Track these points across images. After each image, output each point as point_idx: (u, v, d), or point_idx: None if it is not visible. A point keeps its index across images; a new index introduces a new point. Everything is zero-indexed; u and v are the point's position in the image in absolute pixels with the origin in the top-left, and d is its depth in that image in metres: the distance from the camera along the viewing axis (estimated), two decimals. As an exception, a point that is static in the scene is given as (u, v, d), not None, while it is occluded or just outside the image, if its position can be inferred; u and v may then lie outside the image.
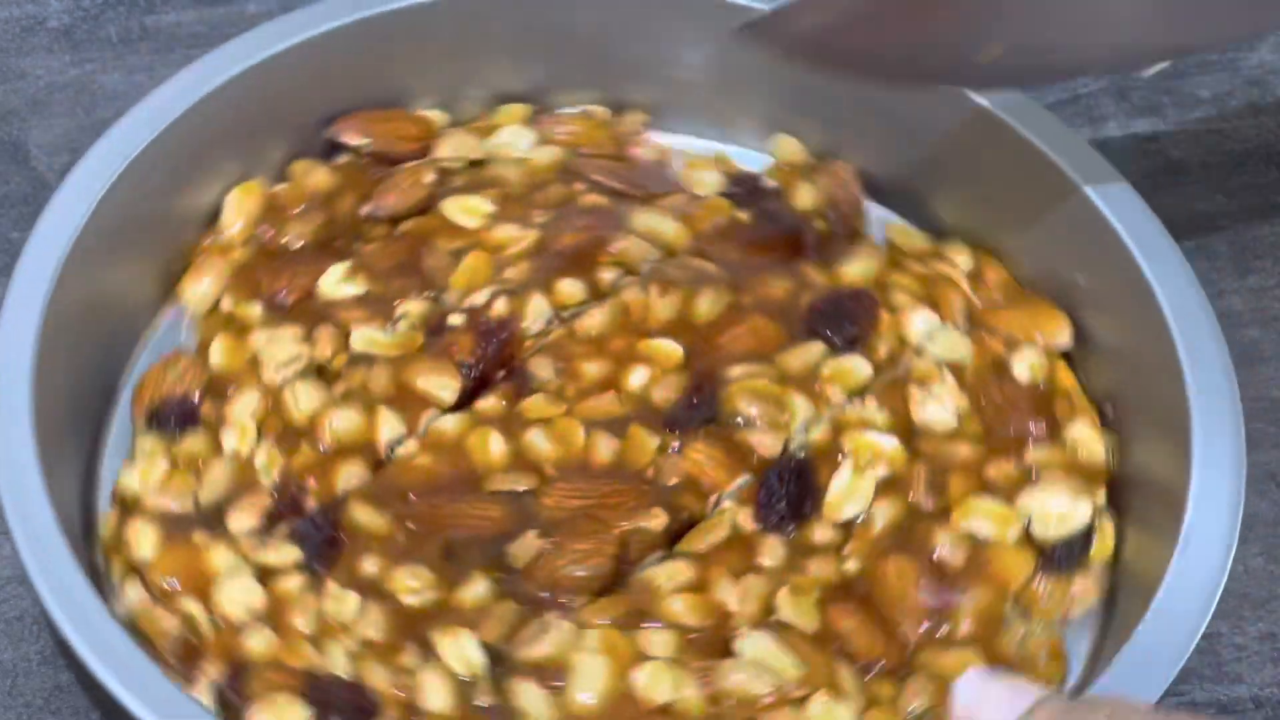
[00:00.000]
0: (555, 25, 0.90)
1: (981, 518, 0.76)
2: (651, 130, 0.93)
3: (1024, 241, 0.85)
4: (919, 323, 0.83)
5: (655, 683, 0.71)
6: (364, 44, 0.88)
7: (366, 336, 0.81)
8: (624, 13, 0.90)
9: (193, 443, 0.78)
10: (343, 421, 0.78)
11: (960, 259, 0.86)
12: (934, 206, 0.89)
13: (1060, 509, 0.76)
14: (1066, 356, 0.83)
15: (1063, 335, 0.82)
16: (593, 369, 0.80)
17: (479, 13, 0.89)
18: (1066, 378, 0.82)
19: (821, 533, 0.76)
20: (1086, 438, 0.79)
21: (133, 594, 0.73)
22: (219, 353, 0.81)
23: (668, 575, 0.74)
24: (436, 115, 0.91)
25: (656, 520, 0.76)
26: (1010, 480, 0.78)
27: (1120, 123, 0.98)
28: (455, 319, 0.81)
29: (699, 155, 0.91)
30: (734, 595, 0.74)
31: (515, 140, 0.90)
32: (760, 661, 0.71)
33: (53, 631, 0.75)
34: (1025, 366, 0.81)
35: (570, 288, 0.83)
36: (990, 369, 0.81)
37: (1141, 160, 0.96)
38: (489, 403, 0.79)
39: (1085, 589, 0.76)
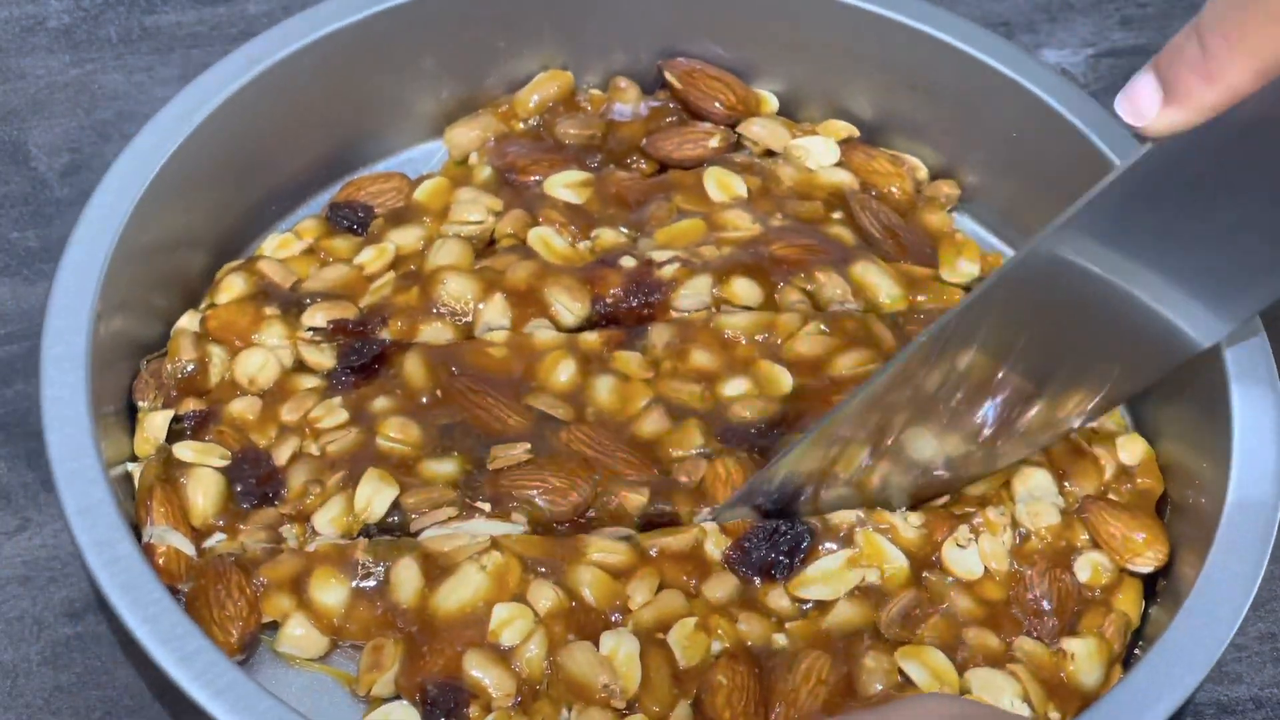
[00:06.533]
0: (929, 78, 0.89)
1: (922, 666, 0.71)
2: (957, 210, 0.90)
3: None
4: (1032, 483, 0.77)
5: (507, 624, 0.71)
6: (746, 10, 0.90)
7: (542, 235, 0.84)
8: (1006, 99, 0.87)
9: (342, 243, 0.84)
10: (457, 286, 0.81)
11: (1126, 451, 0.79)
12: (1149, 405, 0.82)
13: (996, 700, 0.70)
14: (1154, 589, 0.76)
15: (1146, 560, 0.75)
16: (701, 358, 0.80)
17: (858, 32, 0.89)
18: (1127, 603, 0.74)
19: (777, 599, 0.74)
20: (1083, 658, 0.72)
21: (187, 320, 0.80)
22: (425, 188, 0.86)
23: (600, 548, 0.74)
24: (769, 98, 0.92)
25: (635, 499, 0.75)
26: (981, 652, 0.72)
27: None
28: (627, 261, 0.83)
29: (976, 243, 0.88)
30: (642, 596, 0.73)
31: (816, 150, 0.89)
32: (609, 660, 0.70)
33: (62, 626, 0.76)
34: (1088, 568, 0.75)
35: (743, 288, 0.82)
36: (1055, 552, 0.75)
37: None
38: (590, 337, 0.80)
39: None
